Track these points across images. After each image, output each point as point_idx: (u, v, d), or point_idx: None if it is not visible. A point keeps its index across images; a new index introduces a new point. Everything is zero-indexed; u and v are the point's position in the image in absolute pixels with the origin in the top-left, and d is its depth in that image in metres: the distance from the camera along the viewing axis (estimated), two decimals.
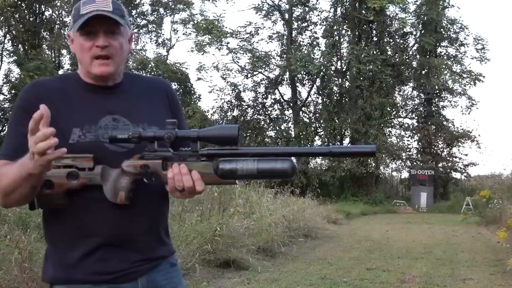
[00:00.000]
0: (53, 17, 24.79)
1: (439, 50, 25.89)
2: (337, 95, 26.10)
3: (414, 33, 25.60)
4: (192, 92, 27.54)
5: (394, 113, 26.07)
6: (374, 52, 23.46)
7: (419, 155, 25.78)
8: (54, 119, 1.43)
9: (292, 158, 1.42)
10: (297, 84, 26.10)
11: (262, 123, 26.61)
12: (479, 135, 30.04)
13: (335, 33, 25.39)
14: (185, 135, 1.44)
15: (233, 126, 1.41)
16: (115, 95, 1.58)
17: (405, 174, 26.65)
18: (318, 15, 25.97)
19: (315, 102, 26.62)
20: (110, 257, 1.50)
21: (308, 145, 25.01)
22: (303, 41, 25.87)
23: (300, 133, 24.64)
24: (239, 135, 1.40)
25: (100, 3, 1.50)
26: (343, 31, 25.71)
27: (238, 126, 1.43)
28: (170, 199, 1.67)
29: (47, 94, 1.52)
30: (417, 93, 26.27)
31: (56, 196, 1.45)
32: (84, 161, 1.45)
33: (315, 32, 26.54)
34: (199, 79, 26.33)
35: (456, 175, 25.74)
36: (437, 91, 25.63)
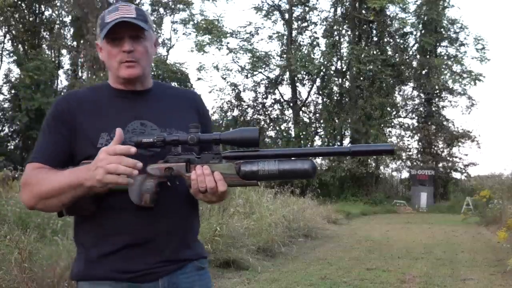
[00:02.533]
0: (53, 17, 24.78)
1: (439, 50, 25.90)
2: (337, 95, 26.10)
3: (414, 33, 25.62)
4: None
5: (394, 113, 26.07)
6: (374, 52, 23.47)
7: (419, 155, 25.77)
8: (83, 126, 1.54)
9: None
10: (297, 84, 26.12)
11: (262, 123, 26.61)
12: (479, 135, 30.14)
13: (335, 33, 25.39)
14: (208, 138, 1.48)
15: (253, 129, 1.46)
16: (143, 100, 1.64)
17: (405, 174, 26.66)
18: (318, 15, 26.02)
19: (315, 102, 26.65)
20: (132, 257, 1.54)
21: (308, 145, 25.07)
22: (303, 41, 25.91)
23: (300, 133, 24.64)
24: (259, 137, 1.45)
25: (124, 11, 1.57)
26: (343, 31, 25.73)
27: (258, 128, 1.47)
28: None
29: (78, 104, 1.60)
30: (417, 93, 26.28)
31: (84, 202, 1.49)
32: None
33: (315, 32, 26.60)
34: (199, 79, 26.36)
35: (456, 175, 25.77)
36: (437, 91, 25.62)
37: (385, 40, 25.71)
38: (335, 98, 26.04)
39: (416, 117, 26.34)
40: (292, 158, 1.44)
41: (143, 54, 1.59)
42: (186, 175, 1.47)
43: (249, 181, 1.45)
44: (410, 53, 26.04)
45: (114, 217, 1.54)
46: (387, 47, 25.44)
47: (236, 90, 26.27)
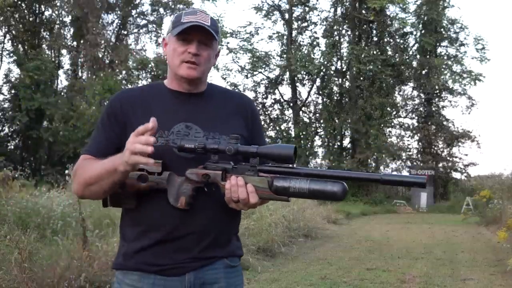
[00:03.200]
0: (53, 17, 24.76)
1: (439, 50, 25.90)
2: (337, 95, 26.11)
3: (414, 33, 25.63)
4: None
5: (394, 113, 26.07)
6: (374, 52, 23.46)
7: (419, 155, 25.78)
8: (133, 125, 1.58)
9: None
10: (297, 84, 26.14)
11: (262, 123, 26.57)
12: (479, 135, 30.14)
13: (335, 33, 25.40)
14: (246, 150, 1.54)
15: (290, 146, 1.50)
16: (194, 103, 1.70)
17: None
18: (318, 15, 26.04)
19: (315, 102, 26.67)
20: (163, 252, 1.62)
21: (308, 145, 25.13)
22: (303, 41, 25.92)
23: (300, 133, 24.66)
24: (295, 154, 1.49)
25: (201, 17, 1.66)
26: (343, 31, 25.74)
27: (295, 146, 1.52)
28: None
29: (130, 103, 1.69)
30: (417, 93, 26.29)
31: (126, 196, 1.61)
32: (154, 165, 1.55)
33: (315, 32, 26.63)
34: None
35: (456, 175, 25.77)
36: (437, 91, 25.63)
37: (385, 40, 25.72)
38: (335, 98, 26.05)
39: (416, 117, 26.35)
40: (324, 179, 1.47)
41: (206, 60, 1.67)
42: (221, 183, 1.54)
43: (279, 196, 1.50)
44: (410, 53, 26.05)
45: (151, 215, 1.62)
46: (387, 47, 25.45)
47: (236, 90, 26.28)
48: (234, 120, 1.72)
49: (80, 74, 24.73)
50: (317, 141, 26.00)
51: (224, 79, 25.98)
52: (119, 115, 1.67)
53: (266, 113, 26.67)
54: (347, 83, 25.39)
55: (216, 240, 1.67)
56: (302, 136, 24.77)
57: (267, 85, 26.28)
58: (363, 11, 24.62)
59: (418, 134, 25.53)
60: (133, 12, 25.55)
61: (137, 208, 1.63)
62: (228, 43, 25.01)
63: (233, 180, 1.51)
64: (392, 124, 26.25)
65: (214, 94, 1.76)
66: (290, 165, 1.51)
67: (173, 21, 1.69)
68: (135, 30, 25.75)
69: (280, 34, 25.83)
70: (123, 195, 1.61)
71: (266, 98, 26.58)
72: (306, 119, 26.05)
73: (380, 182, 1.46)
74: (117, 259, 1.72)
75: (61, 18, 24.73)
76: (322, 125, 25.64)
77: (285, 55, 25.13)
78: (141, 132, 1.45)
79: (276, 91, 26.40)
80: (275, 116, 26.64)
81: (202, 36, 1.65)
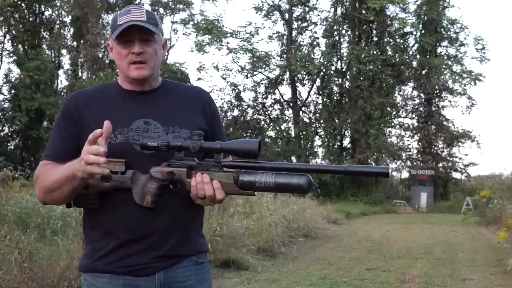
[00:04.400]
0: (53, 17, 24.78)
1: (439, 50, 25.87)
2: (337, 95, 26.11)
3: (414, 33, 25.60)
4: None
5: (394, 113, 26.05)
6: (374, 52, 23.45)
7: (419, 155, 25.75)
8: (90, 124, 1.59)
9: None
10: (297, 84, 26.12)
11: (262, 123, 26.60)
12: (479, 135, 30.10)
13: (335, 33, 25.39)
14: (210, 147, 1.53)
15: (254, 141, 1.50)
16: (149, 99, 1.70)
17: (405, 174, 26.56)
18: (318, 15, 26.01)
19: (315, 102, 26.65)
20: (131, 252, 1.61)
21: (308, 145, 25.14)
22: (303, 41, 25.90)
23: (300, 133, 24.64)
24: (259, 149, 1.49)
25: (136, 14, 1.64)
26: (343, 31, 25.73)
27: (259, 140, 1.51)
28: None
29: (86, 102, 1.68)
30: (417, 93, 26.26)
31: (90, 196, 1.60)
32: (117, 165, 1.56)
33: (315, 32, 26.59)
34: (199, 79, 26.32)
35: (456, 175, 25.71)
36: (437, 91, 25.60)
37: (385, 40, 25.71)
38: (335, 98, 26.05)
39: (416, 117, 26.32)
40: (289, 173, 1.48)
41: (152, 56, 1.65)
42: (186, 181, 1.53)
43: (246, 191, 1.51)
44: (410, 53, 26.04)
45: (116, 214, 1.61)
46: (387, 47, 25.43)
47: (236, 90, 26.29)
48: (193, 114, 1.71)
49: (80, 74, 24.74)
50: (317, 141, 26.04)
51: (224, 79, 25.98)
52: (74, 113, 1.65)
53: (266, 113, 26.66)
54: (347, 83, 25.39)
55: (183, 237, 1.66)
56: (302, 136, 24.76)
57: (267, 85, 26.27)
58: (363, 11, 24.61)
59: (418, 134, 25.51)
60: None
61: (100, 208, 1.61)
62: (228, 43, 25.01)
63: (199, 177, 1.51)
64: (392, 124, 26.25)
65: (170, 89, 1.75)
66: (254, 160, 1.50)
67: (111, 25, 1.66)
68: None
69: (280, 34, 25.83)
70: (86, 195, 1.59)
71: (266, 98, 26.58)
72: (306, 119, 26.05)
73: (345, 173, 1.48)
74: (85, 261, 1.68)
75: (61, 18, 24.76)
76: (322, 125, 25.63)
77: (285, 55, 25.11)
78: (92, 140, 1.43)
79: (276, 91, 26.40)
80: (275, 116, 26.63)
81: (141, 34, 1.62)
